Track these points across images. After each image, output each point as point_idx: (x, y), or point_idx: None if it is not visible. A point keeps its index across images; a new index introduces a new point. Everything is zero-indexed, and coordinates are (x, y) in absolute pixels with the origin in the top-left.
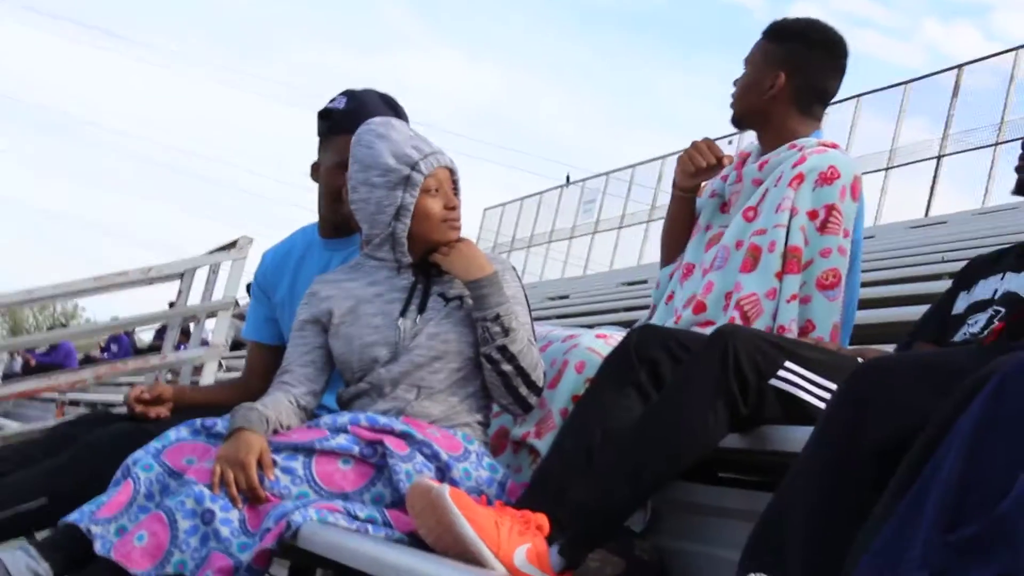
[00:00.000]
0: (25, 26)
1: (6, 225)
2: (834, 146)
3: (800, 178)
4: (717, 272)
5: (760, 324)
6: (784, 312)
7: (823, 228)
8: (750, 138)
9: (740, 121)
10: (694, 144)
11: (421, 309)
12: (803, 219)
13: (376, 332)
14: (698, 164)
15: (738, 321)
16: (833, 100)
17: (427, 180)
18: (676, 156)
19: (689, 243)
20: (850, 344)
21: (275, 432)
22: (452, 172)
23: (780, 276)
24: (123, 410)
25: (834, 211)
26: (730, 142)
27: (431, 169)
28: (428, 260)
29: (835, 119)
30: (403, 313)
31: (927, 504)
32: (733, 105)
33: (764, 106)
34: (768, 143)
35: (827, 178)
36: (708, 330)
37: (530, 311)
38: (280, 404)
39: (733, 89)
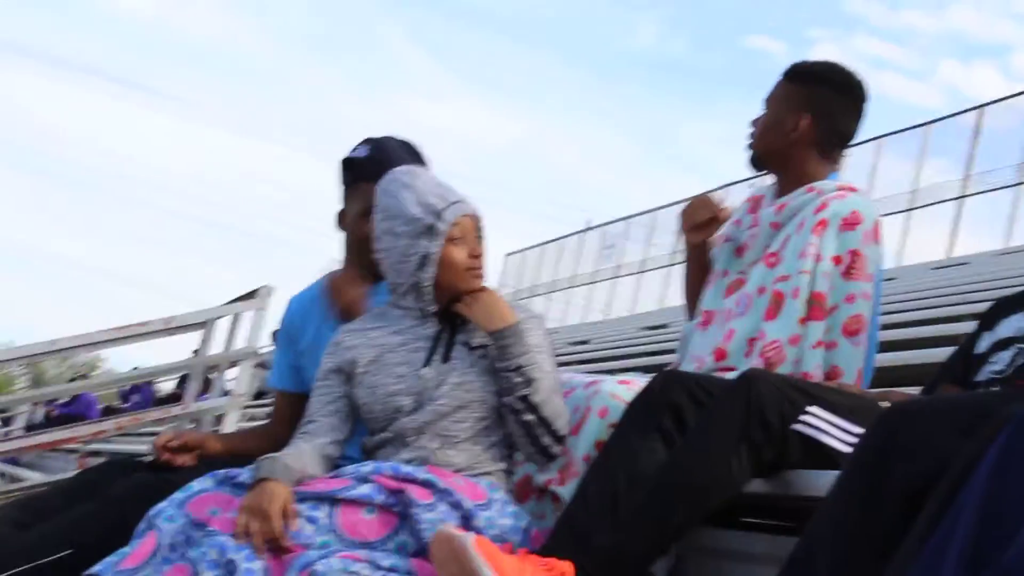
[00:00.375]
0: (50, 80)
1: (30, 275)
2: (853, 189)
3: (824, 224)
4: (739, 319)
5: (783, 370)
6: (809, 358)
7: (848, 274)
8: (769, 179)
9: (759, 161)
10: (692, 200)
11: (445, 358)
12: (828, 265)
13: (400, 381)
14: (694, 220)
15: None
16: (854, 142)
17: (451, 229)
18: None
19: (706, 290)
20: (872, 387)
21: (299, 482)
22: (476, 220)
23: (804, 322)
24: (146, 459)
25: (858, 256)
26: (751, 185)
27: (455, 217)
28: (453, 309)
29: (856, 161)
30: (427, 362)
31: (951, 546)
32: (753, 145)
33: (786, 148)
34: (786, 185)
35: (850, 223)
36: (731, 375)
37: (554, 357)
38: (304, 454)
39: (751, 129)
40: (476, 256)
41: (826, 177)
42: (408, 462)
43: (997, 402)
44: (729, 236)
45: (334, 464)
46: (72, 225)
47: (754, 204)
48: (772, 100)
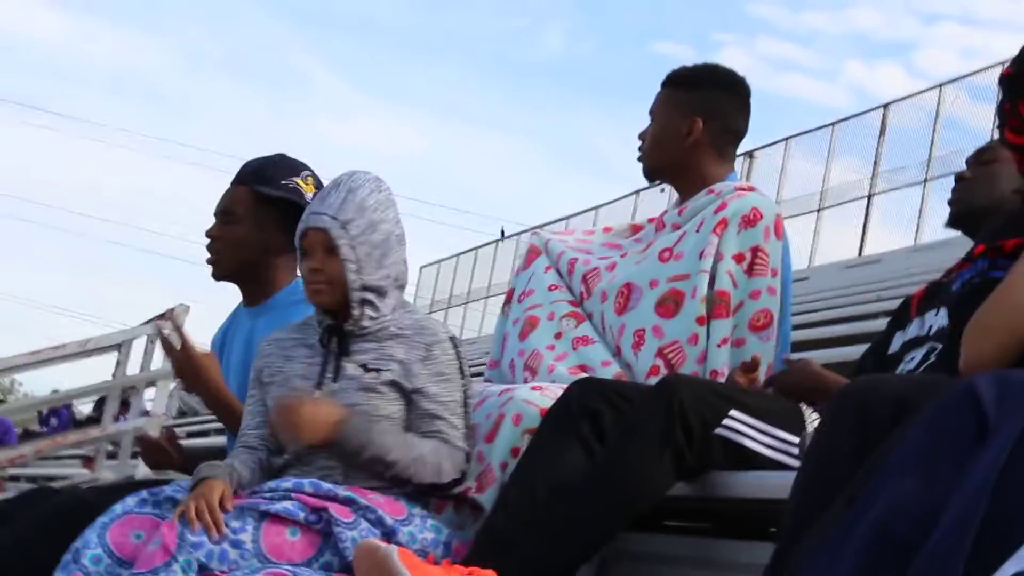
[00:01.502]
0: None
1: None
2: (751, 188)
3: (724, 223)
4: (631, 312)
5: (686, 370)
6: (716, 357)
7: (751, 270)
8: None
9: (655, 173)
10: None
11: (335, 378)
12: (730, 263)
13: None
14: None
15: (663, 369)
16: (763, 144)
17: (302, 243)
18: (613, 205)
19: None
20: None
21: (236, 490)
22: (322, 232)
23: (704, 321)
24: (63, 484)
25: (760, 252)
26: (662, 190)
27: (302, 231)
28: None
29: (765, 163)
30: (319, 383)
31: (869, 514)
32: (646, 158)
33: (682, 154)
34: (687, 191)
35: (750, 221)
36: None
37: (466, 379)
38: (246, 462)
39: (640, 143)
40: (313, 270)
41: (724, 178)
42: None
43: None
44: (626, 250)
45: (274, 471)
46: None
47: (658, 224)
48: (659, 110)
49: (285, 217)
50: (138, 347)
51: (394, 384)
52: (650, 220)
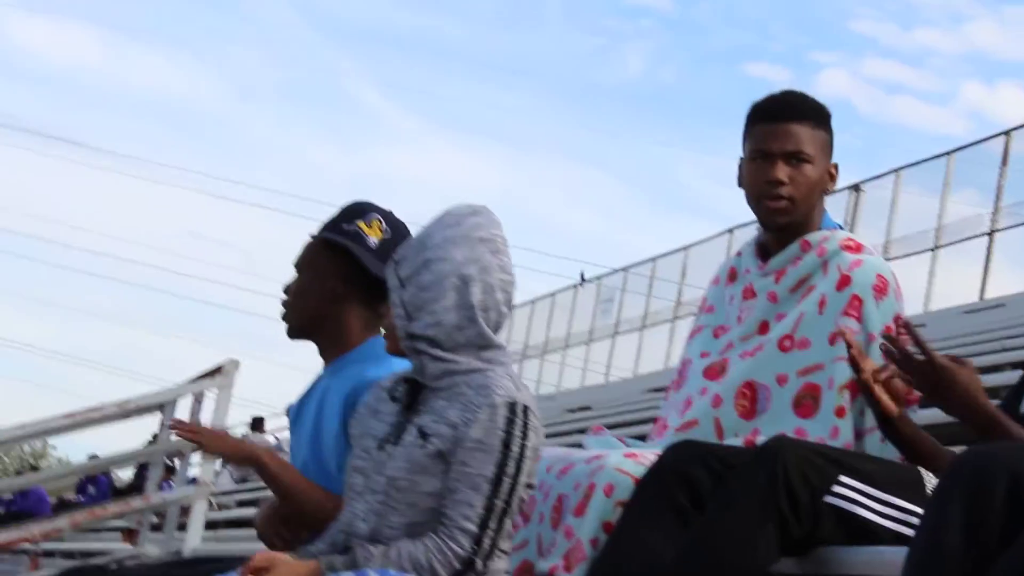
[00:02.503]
0: None
1: None
2: (859, 247)
3: (857, 301)
4: (762, 416)
5: None
6: (868, 446)
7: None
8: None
9: (791, 225)
10: None
11: (396, 440)
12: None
13: (363, 456)
14: None
15: None
16: (871, 176)
17: None
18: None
19: (687, 378)
20: None
21: None
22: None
23: (843, 412)
24: (108, 560)
25: (899, 320)
26: (757, 227)
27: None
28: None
29: (873, 197)
30: (381, 445)
31: None
32: (792, 207)
33: (814, 202)
34: (784, 241)
35: (881, 289)
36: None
37: (519, 451)
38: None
39: (785, 187)
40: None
41: (820, 224)
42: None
43: None
44: (703, 324)
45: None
46: (8, 300)
47: (730, 276)
48: (815, 150)
49: (348, 265)
50: (183, 408)
51: (440, 455)
52: (714, 282)
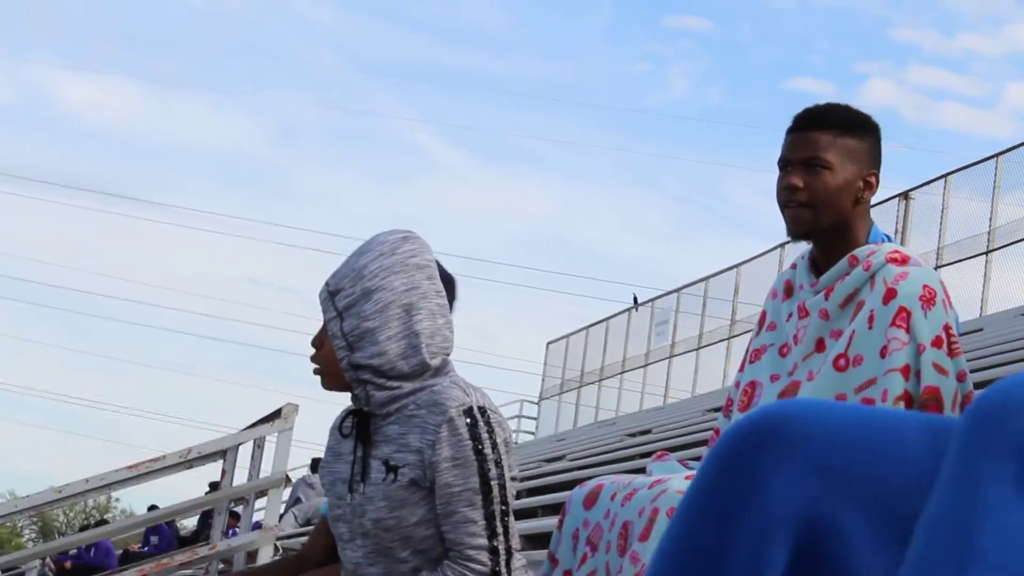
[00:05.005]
0: (32, 199)
1: (26, 417)
2: (905, 259)
3: (905, 312)
4: None
5: None
6: None
7: (951, 351)
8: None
9: (816, 233)
10: None
11: (362, 479)
12: (932, 353)
13: (338, 504)
14: None
15: None
16: (919, 184)
17: None
18: (753, 263)
19: (758, 401)
20: None
21: None
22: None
23: None
24: None
25: (950, 330)
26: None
27: None
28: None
29: (923, 204)
30: (350, 486)
31: None
32: (815, 215)
33: (850, 213)
34: (832, 255)
35: (929, 299)
36: None
37: (496, 454)
38: None
39: (799, 192)
40: (313, 349)
41: (867, 237)
42: None
43: None
44: (767, 343)
45: None
46: (67, 356)
47: (786, 290)
48: (836, 159)
49: None
50: (244, 454)
51: (414, 483)
52: (772, 295)
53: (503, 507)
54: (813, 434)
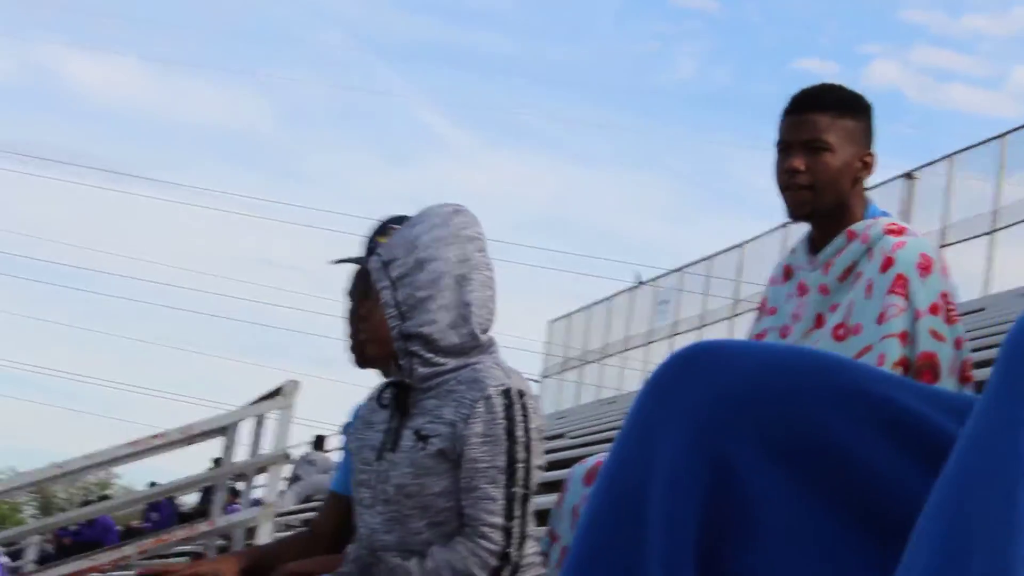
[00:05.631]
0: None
1: (27, 393)
2: (902, 230)
3: (902, 280)
4: None
5: None
6: None
7: (948, 319)
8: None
9: (817, 214)
10: None
11: (394, 447)
12: (929, 319)
13: (364, 469)
14: None
15: None
16: (924, 163)
17: None
18: (757, 242)
19: None
20: None
21: None
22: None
23: None
24: None
25: (947, 297)
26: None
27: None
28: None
29: (927, 184)
30: (379, 453)
31: None
32: (816, 195)
33: (849, 193)
34: (828, 233)
35: (926, 267)
36: None
37: (527, 438)
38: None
39: (801, 175)
40: (359, 317)
41: (864, 214)
42: None
43: None
44: (768, 327)
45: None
46: (71, 334)
47: (785, 274)
48: (836, 140)
49: None
50: (245, 430)
51: (442, 453)
52: (772, 282)
53: (524, 491)
54: (730, 364)
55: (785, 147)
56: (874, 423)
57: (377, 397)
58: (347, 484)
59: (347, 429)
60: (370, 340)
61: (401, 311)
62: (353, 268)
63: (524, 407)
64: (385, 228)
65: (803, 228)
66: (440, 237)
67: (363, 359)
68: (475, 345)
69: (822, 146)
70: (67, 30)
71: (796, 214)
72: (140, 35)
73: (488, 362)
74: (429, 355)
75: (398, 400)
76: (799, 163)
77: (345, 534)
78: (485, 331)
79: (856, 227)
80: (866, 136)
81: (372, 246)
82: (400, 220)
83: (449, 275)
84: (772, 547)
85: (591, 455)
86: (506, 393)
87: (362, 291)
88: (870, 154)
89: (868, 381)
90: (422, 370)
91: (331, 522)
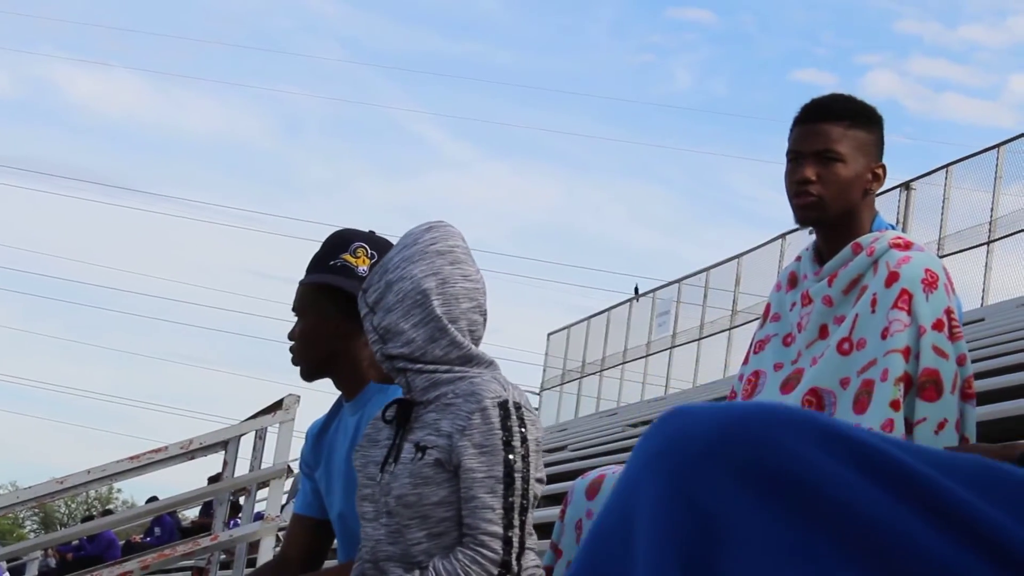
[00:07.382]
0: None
1: (28, 408)
2: (908, 244)
3: (906, 295)
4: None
5: None
6: (944, 442)
7: (952, 335)
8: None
9: (827, 221)
10: None
11: (395, 460)
12: (932, 336)
13: (368, 484)
14: None
15: None
16: (921, 174)
17: None
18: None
19: (761, 390)
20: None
21: None
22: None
23: (899, 405)
24: None
25: (951, 314)
26: (811, 232)
27: None
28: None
29: (924, 194)
30: (382, 468)
31: None
32: (826, 204)
33: (858, 204)
34: (836, 244)
35: (931, 283)
36: None
37: (524, 448)
38: None
39: (812, 185)
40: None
41: (870, 226)
42: None
43: None
44: (771, 334)
45: None
46: (70, 348)
47: (790, 281)
48: (848, 151)
49: (345, 300)
50: (246, 444)
51: (439, 463)
52: (776, 288)
53: (523, 501)
54: (701, 415)
55: (796, 157)
56: (846, 458)
57: (382, 415)
58: (310, 506)
59: (303, 452)
60: (301, 356)
61: (380, 335)
62: (300, 287)
63: (521, 418)
64: (344, 244)
65: (801, 240)
66: (407, 256)
67: (306, 372)
68: (464, 354)
69: (834, 156)
70: (64, 43)
71: (806, 222)
72: (137, 49)
73: (487, 375)
74: (419, 365)
75: (400, 415)
76: (810, 173)
77: (314, 555)
78: (476, 340)
79: (862, 240)
80: (877, 148)
81: (336, 264)
82: (346, 238)
83: (415, 292)
84: (751, 561)
85: (592, 467)
86: (503, 405)
87: (298, 307)
88: (881, 166)
89: (839, 425)
90: (418, 380)
91: (299, 545)
